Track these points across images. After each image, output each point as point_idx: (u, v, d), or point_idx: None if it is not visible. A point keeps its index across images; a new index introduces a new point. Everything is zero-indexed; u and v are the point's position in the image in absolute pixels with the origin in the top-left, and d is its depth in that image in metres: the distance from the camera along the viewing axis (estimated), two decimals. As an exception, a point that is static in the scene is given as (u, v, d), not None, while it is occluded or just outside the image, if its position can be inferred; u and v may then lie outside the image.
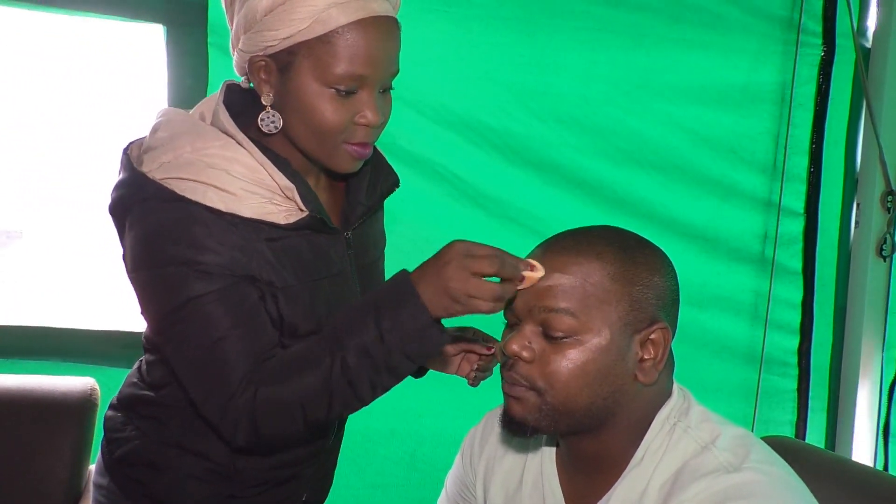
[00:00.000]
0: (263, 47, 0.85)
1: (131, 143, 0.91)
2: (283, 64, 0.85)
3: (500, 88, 1.68)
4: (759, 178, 1.88)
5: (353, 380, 0.83)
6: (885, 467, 1.90)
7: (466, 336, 1.04)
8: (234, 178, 0.85)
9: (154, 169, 0.86)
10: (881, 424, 1.92)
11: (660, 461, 0.82)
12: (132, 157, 0.89)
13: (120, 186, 0.88)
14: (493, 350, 1.02)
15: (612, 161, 1.76)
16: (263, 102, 0.87)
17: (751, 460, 0.78)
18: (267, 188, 0.87)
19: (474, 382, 1.04)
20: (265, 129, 0.88)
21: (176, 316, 0.84)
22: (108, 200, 0.89)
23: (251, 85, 0.89)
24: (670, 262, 0.84)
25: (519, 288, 0.81)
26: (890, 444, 1.92)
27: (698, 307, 1.80)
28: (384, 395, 0.87)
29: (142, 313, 0.90)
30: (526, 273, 0.81)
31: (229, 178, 0.85)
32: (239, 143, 0.87)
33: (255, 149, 0.87)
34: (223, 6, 0.91)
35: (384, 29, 0.85)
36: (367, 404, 0.86)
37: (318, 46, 0.83)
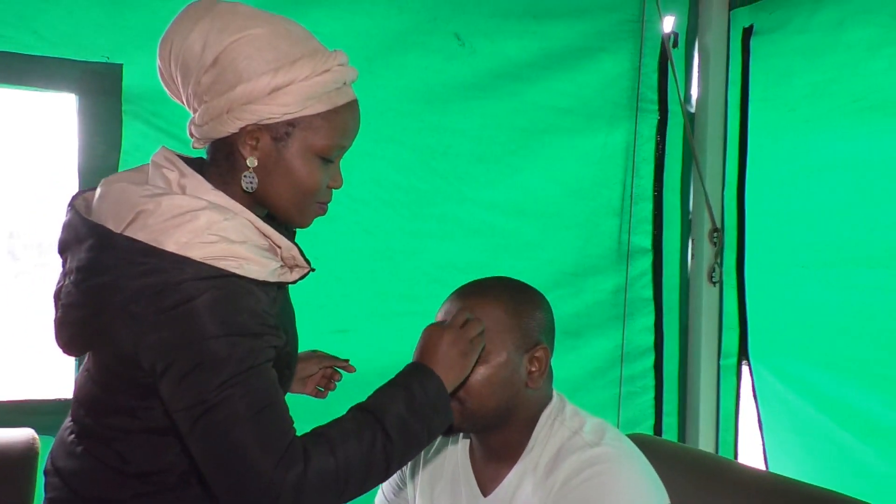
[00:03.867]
0: (262, 119, 0.92)
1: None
2: (279, 134, 0.93)
3: (406, 149, 1.90)
4: (614, 220, 2.21)
5: (391, 453, 0.91)
6: (735, 455, 2.28)
7: (320, 354, 1.24)
8: (255, 247, 0.91)
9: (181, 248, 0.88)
10: (719, 418, 2.29)
11: (545, 446, 1.11)
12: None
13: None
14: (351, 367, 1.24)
15: (501, 211, 2.03)
16: (249, 165, 0.94)
17: (606, 438, 1.09)
18: (271, 251, 0.95)
19: (324, 395, 1.25)
20: (247, 188, 0.94)
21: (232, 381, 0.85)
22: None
23: (203, 150, 0.95)
24: (547, 300, 1.17)
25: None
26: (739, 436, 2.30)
27: (574, 335, 2.10)
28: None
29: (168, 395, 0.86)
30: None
31: (253, 248, 0.91)
32: (237, 213, 0.92)
33: (254, 216, 0.94)
34: (174, 80, 0.95)
35: (358, 108, 1.01)
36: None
37: (316, 121, 0.94)
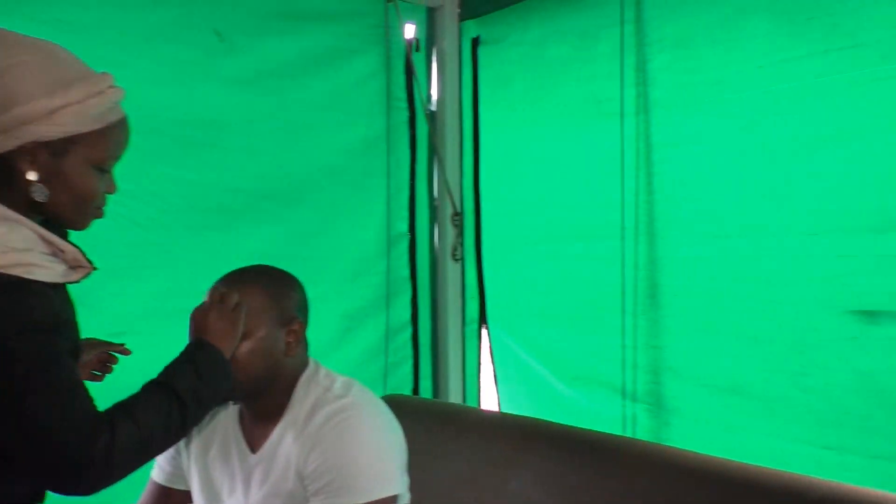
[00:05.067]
0: (41, 137, 1.01)
1: None
2: (57, 150, 1.03)
3: (172, 141, 1.92)
4: (383, 207, 2.43)
5: (186, 416, 1.07)
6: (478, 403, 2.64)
7: (94, 341, 1.35)
8: (40, 253, 1.01)
9: None
10: (465, 375, 2.65)
11: (303, 403, 1.31)
12: None
13: None
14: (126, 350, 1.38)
15: (278, 202, 2.15)
16: (30, 178, 1.03)
17: (352, 392, 1.32)
18: (55, 255, 1.04)
19: (100, 378, 1.36)
20: (39, 199, 1.04)
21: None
22: None
23: None
24: (300, 282, 1.37)
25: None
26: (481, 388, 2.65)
27: (350, 317, 2.29)
28: None
29: None
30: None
31: (38, 254, 1.01)
32: (18, 223, 1.01)
33: (35, 224, 1.02)
34: None
35: (127, 123, 1.13)
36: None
37: (92, 138, 1.05)
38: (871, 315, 1.65)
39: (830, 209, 1.69)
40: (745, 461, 1.42)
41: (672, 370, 2.06)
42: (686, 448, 1.55)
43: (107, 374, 1.35)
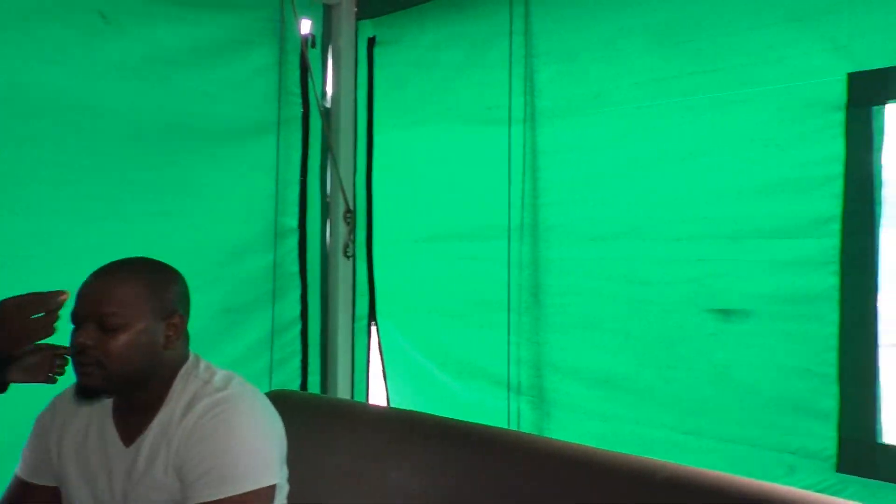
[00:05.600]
0: None
1: None
2: None
3: (58, 125, 1.84)
4: (270, 202, 2.42)
5: None
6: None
7: (43, 346, 1.34)
8: None
9: None
10: (354, 371, 2.68)
11: (181, 396, 1.32)
12: None
13: None
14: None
15: (164, 193, 2.10)
16: None
17: (232, 385, 1.34)
18: None
19: (53, 381, 1.37)
20: None
21: None
22: None
23: None
24: (181, 275, 1.36)
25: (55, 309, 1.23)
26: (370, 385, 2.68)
27: (235, 311, 2.27)
28: None
29: None
30: (59, 299, 1.23)
31: None
32: None
33: None
34: None
35: None
36: None
37: None
38: (726, 313, 1.82)
39: (692, 217, 1.85)
40: (617, 448, 1.52)
41: (552, 364, 2.18)
42: (564, 438, 1.65)
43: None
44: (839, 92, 1.61)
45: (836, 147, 1.62)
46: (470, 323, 2.40)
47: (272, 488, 1.27)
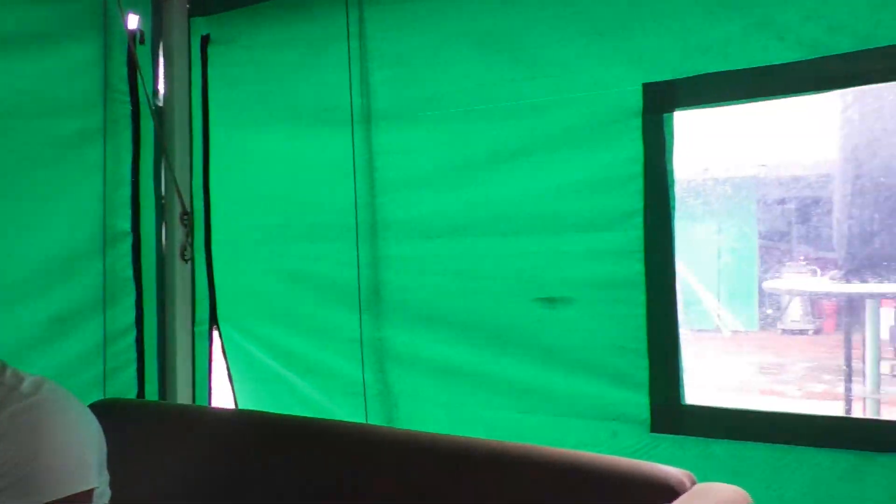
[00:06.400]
0: None
1: None
2: None
3: None
4: (98, 204, 2.30)
5: None
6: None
7: None
8: None
9: None
10: (195, 377, 2.61)
11: None
12: None
13: None
14: None
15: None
16: None
17: (41, 390, 1.30)
18: None
19: None
20: None
21: None
22: None
23: None
24: None
25: None
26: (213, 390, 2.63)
27: (62, 320, 2.15)
28: None
29: None
30: None
31: None
32: None
33: None
34: None
35: None
36: None
37: None
38: (551, 301, 1.99)
39: (518, 214, 2.01)
40: (461, 432, 1.61)
41: (395, 358, 2.26)
42: (412, 427, 1.73)
43: None
44: (636, 100, 1.81)
45: (635, 149, 1.82)
46: (314, 322, 2.42)
47: (89, 493, 1.25)
